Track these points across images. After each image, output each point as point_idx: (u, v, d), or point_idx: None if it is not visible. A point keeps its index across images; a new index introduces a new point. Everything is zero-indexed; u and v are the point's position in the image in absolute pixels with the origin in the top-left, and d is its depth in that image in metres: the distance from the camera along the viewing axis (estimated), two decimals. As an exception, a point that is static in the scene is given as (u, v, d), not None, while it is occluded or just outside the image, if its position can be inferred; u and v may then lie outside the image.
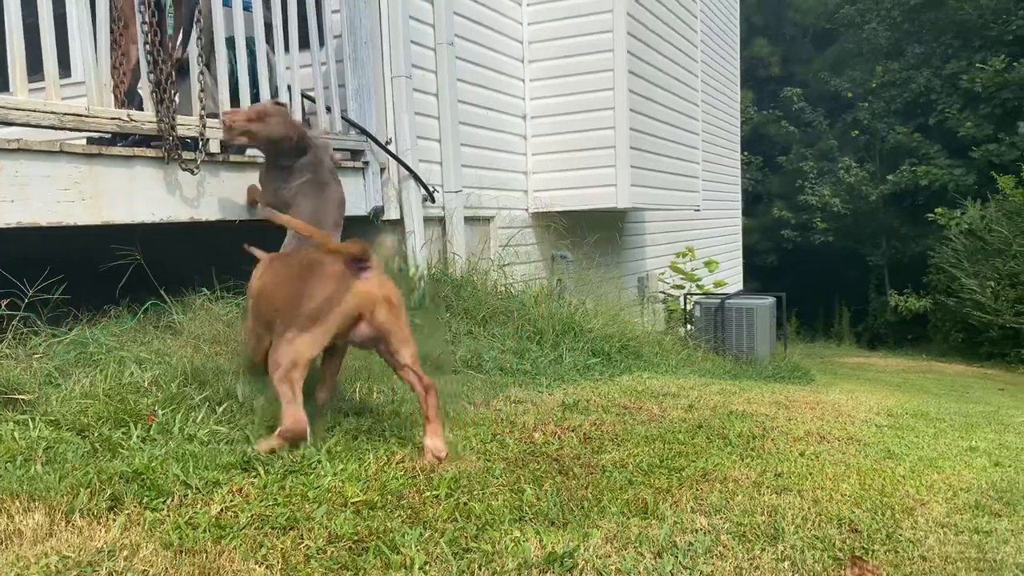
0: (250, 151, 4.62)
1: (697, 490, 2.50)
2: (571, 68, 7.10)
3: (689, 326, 8.66)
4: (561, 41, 7.13)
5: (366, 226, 5.30)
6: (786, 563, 1.94)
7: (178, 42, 4.29)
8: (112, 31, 3.78)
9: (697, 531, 2.10)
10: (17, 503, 1.96)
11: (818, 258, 22.21)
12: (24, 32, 3.41)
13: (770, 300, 8.54)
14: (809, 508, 2.35)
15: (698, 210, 9.43)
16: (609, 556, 1.91)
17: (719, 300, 8.40)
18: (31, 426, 2.54)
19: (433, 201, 5.80)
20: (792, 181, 22.52)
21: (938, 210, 17.09)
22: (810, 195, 21.61)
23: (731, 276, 13.30)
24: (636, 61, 7.16)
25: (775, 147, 23.63)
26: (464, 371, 4.22)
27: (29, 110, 3.34)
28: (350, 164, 5.15)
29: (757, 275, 19.40)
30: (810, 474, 2.75)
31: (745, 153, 17.46)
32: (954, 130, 19.18)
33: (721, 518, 2.22)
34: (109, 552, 1.78)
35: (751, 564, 1.92)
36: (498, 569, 1.80)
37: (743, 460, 2.89)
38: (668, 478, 2.61)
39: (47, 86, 3.46)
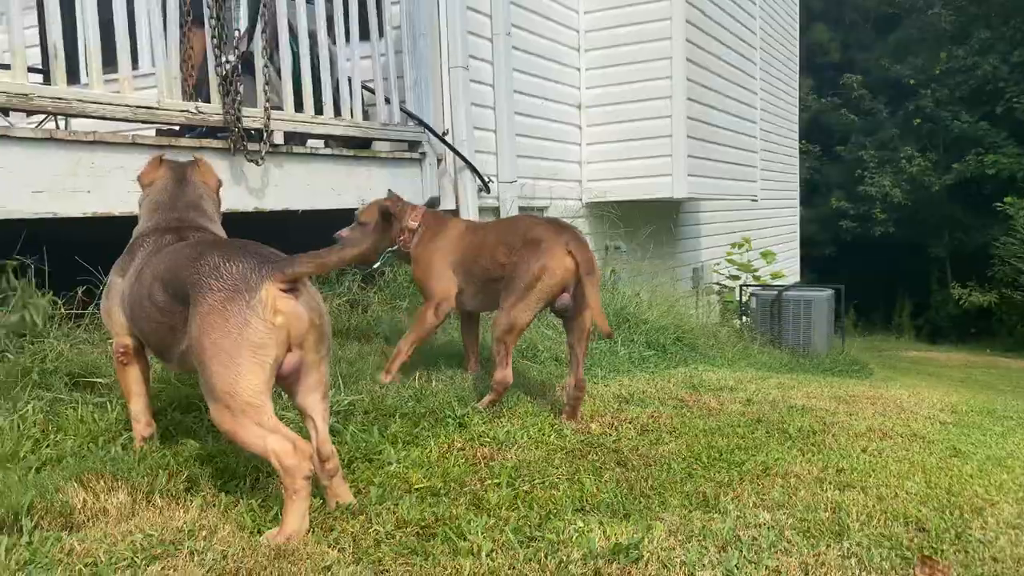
0: (311, 142, 4.71)
1: (758, 484, 2.48)
2: (628, 57, 7.05)
3: (745, 318, 8.55)
4: (618, 29, 7.09)
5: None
6: (852, 560, 1.92)
7: (243, 35, 4.38)
8: (181, 25, 3.87)
9: (760, 526, 2.10)
10: (102, 482, 2.05)
11: (877, 250, 21.67)
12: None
13: (828, 292, 8.39)
14: (874, 505, 2.32)
15: (755, 200, 9.30)
16: (673, 549, 1.91)
17: (776, 292, 8.28)
18: (109, 409, 2.64)
19: (488, 191, 5.83)
20: (851, 171, 22.00)
21: (1007, 199, 16.52)
22: (870, 185, 21.09)
23: (788, 267, 13.08)
24: (694, 49, 7.07)
25: (834, 136, 23.09)
26: (520, 361, 4.24)
27: (105, 103, 3.46)
28: (408, 155, 5.20)
29: (814, 266, 19.04)
30: (873, 471, 2.71)
31: (803, 142, 17.09)
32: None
33: (784, 513, 2.21)
34: (189, 532, 1.85)
35: (817, 560, 1.91)
36: (564, 559, 1.83)
37: (804, 455, 2.86)
38: (728, 472, 2.60)
39: (120, 79, 3.57)
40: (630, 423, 3.17)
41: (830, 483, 2.53)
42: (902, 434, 3.27)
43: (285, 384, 2.04)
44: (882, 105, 22.10)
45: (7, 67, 4.61)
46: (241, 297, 1.88)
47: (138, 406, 2.41)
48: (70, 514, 1.93)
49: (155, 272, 2.14)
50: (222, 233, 2.55)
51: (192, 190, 2.56)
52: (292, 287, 1.94)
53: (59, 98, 3.34)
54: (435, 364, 3.75)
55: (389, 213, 3.63)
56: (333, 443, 2.55)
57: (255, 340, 1.87)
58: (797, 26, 14.36)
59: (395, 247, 3.66)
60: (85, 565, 1.67)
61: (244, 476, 2.23)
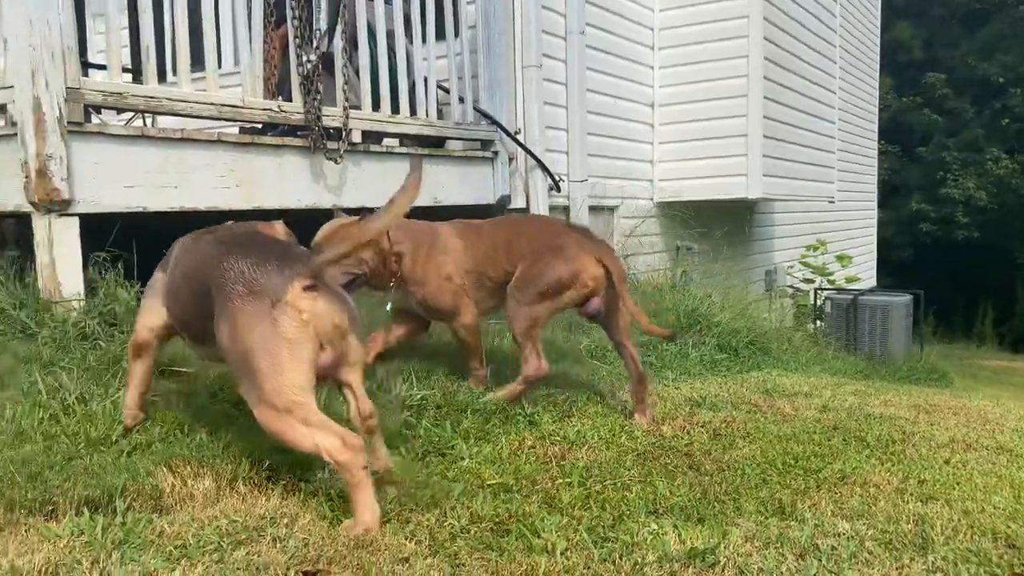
0: (387, 141, 4.79)
1: (836, 493, 2.43)
2: (703, 55, 6.96)
3: (819, 322, 8.35)
4: (693, 27, 7.00)
5: (491, 215, 5.38)
6: (938, 575, 1.86)
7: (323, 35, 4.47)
8: (265, 25, 3.98)
9: (840, 535, 2.05)
10: (188, 468, 2.13)
11: (959, 254, 20.87)
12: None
13: (907, 297, 8.12)
14: (959, 519, 2.24)
15: (832, 201, 9.08)
16: (750, 555, 1.89)
17: (852, 296, 8.06)
18: (194, 397, 2.73)
19: (559, 191, 5.83)
20: (933, 172, 21.24)
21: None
22: (952, 187, 20.33)
23: (864, 271, 12.73)
24: (772, 47, 6.94)
25: (915, 136, 22.32)
26: (589, 361, 4.23)
27: (193, 102, 3.58)
28: (480, 154, 5.24)
29: (891, 270, 18.45)
30: (957, 483, 2.62)
31: (882, 142, 16.56)
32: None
33: (864, 523, 2.15)
34: (271, 519, 1.91)
35: (900, 573, 1.86)
36: (639, 560, 1.82)
37: (883, 465, 2.79)
38: (804, 479, 2.55)
39: (207, 78, 3.70)
40: (702, 427, 3.13)
41: (911, 494, 2.46)
42: (987, 446, 3.15)
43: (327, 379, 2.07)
44: (967, 104, 21.27)
45: (102, 67, 4.82)
46: (268, 298, 1.91)
47: (130, 396, 2.47)
48: (159, 497, 2.01)
49: (184, 269, 2.22)
50: None
51: (251, 226, 2.57)
52: (313, 285, 1.96)
53: (151, 96, 3.48)
54: (505, 364, 3.75)
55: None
56: (408, 436, 2.61)
57: (290, 336, 1.89)
58: (879, 23, 13.95)
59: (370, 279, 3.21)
60: (175, 547, 1.74)
61: (323, 466, 2.28)
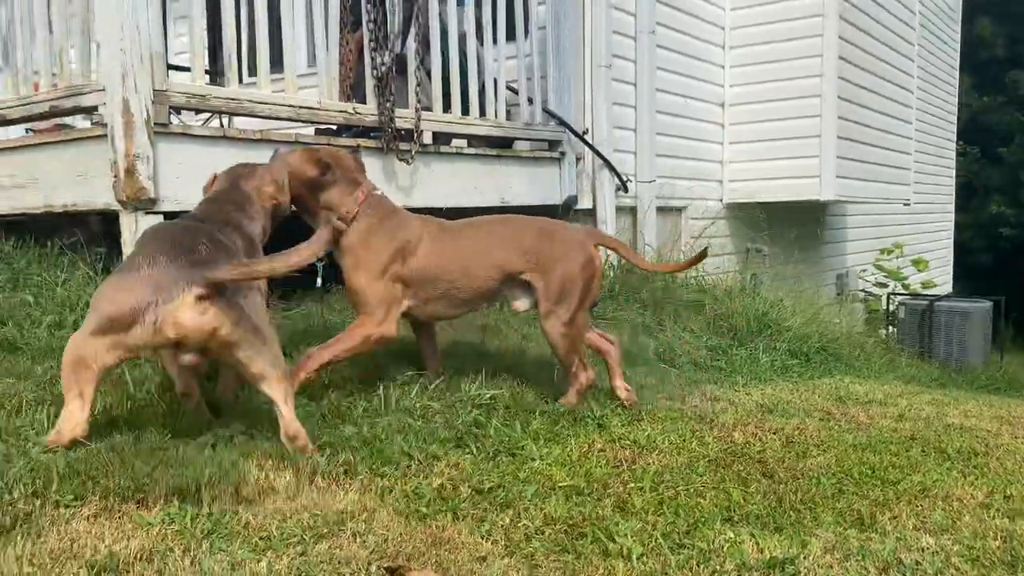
0: (456, 142, 4.83)
1: (917, 506, 2.36)
2: (775, 54, 6.84)
3: (892, 328, 8.12)
4: (766, 26, 6.89)
5: (558, 215, 5.38)
6: (1029, 595, 1.80)
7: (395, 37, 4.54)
8: (341, 28, 4.05)
9: (923, 550, 1.99)
10: (270, 462, 2.19)
11: (1041, 260, 20.02)
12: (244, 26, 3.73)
13: (986, 304, 7.85)
14: (1050, 538, 2.16)
15: (908, 204, 8.82)
16: (831, 567, 1.85)
17: (927, 302, 7.82)
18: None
19: (626, 191, 5.80)
20: (1014, 174, 20.40)
21: None
22: (1035, 190, 19.50)
23: (940, 276, 12.32)
24: (847, 46, 6.78)
25: (996, 137, 21.46)
26: (657, 364, 4.20)
27: (272, 103, 3.67)
28: (547, 154, 5.25)
29: (968, 276, 17.78)
30: (1046, 500, 2.52)
31: (961, 143, 15.98)
32: None
33: (949, 538, 2.09)
34: (350, 514, 1.95)
35: (988, 592, 1.80)
36: (717, 568, 1.80)
37: (965, 478, 2.70)
38: (883, 490, 2.49)
39: (286, 80, 3.79)
40: (774, 434, 3.07)
41: (998, 510, 2.37)
42: (1078, 462, 3.02)
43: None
44: (1053, 103, 20.39)
45: (180, 68, 4.97)
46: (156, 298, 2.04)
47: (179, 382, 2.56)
48: (243, 490, 2.06)
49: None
50: (256, 230, 2.60)
51: (235, 190, 2.67)
52: (210, 293, 2.06)
53: (231, 98, 3.57)
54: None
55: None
56: (478, 435, 2.63)
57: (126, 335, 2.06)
58: (959, 19, 13.48)
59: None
60: (260, 538, 1.79)
61: (397, 462, 2.32)
